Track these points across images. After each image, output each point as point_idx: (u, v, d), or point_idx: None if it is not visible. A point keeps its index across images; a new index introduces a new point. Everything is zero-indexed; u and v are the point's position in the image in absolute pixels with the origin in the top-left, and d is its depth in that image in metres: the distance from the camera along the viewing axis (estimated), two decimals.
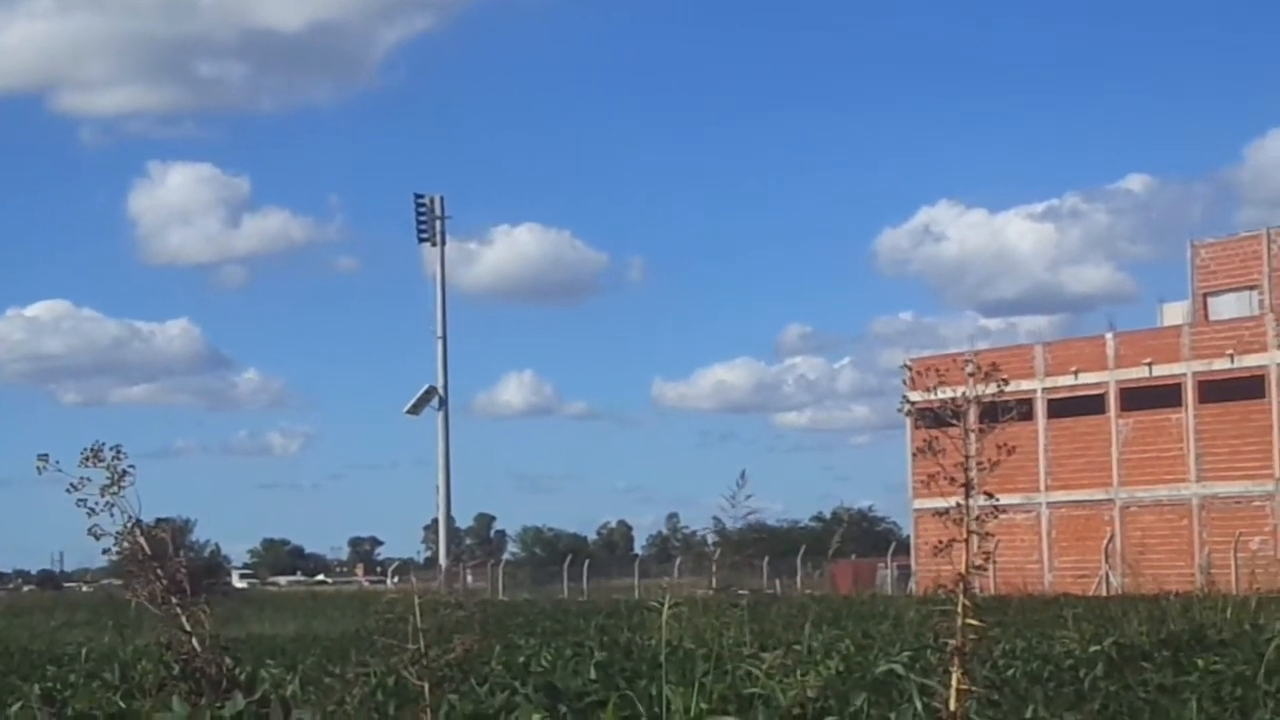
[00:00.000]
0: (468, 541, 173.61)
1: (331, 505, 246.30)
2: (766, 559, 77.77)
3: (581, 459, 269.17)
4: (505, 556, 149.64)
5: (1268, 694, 13.39)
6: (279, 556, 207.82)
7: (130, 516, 9.20)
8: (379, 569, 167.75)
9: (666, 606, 12.44)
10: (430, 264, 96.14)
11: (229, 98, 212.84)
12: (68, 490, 9.04)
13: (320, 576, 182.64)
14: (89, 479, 9.08)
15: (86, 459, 9.06)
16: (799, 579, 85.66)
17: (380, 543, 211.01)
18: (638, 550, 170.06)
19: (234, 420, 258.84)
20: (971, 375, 8.53)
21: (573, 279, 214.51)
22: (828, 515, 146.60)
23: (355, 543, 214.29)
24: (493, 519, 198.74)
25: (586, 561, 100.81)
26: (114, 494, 9.11)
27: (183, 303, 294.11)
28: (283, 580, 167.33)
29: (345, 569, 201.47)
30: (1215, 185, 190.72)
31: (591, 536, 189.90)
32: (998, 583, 54.03)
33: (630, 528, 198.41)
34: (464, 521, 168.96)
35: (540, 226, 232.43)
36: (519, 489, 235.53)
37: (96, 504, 9.11)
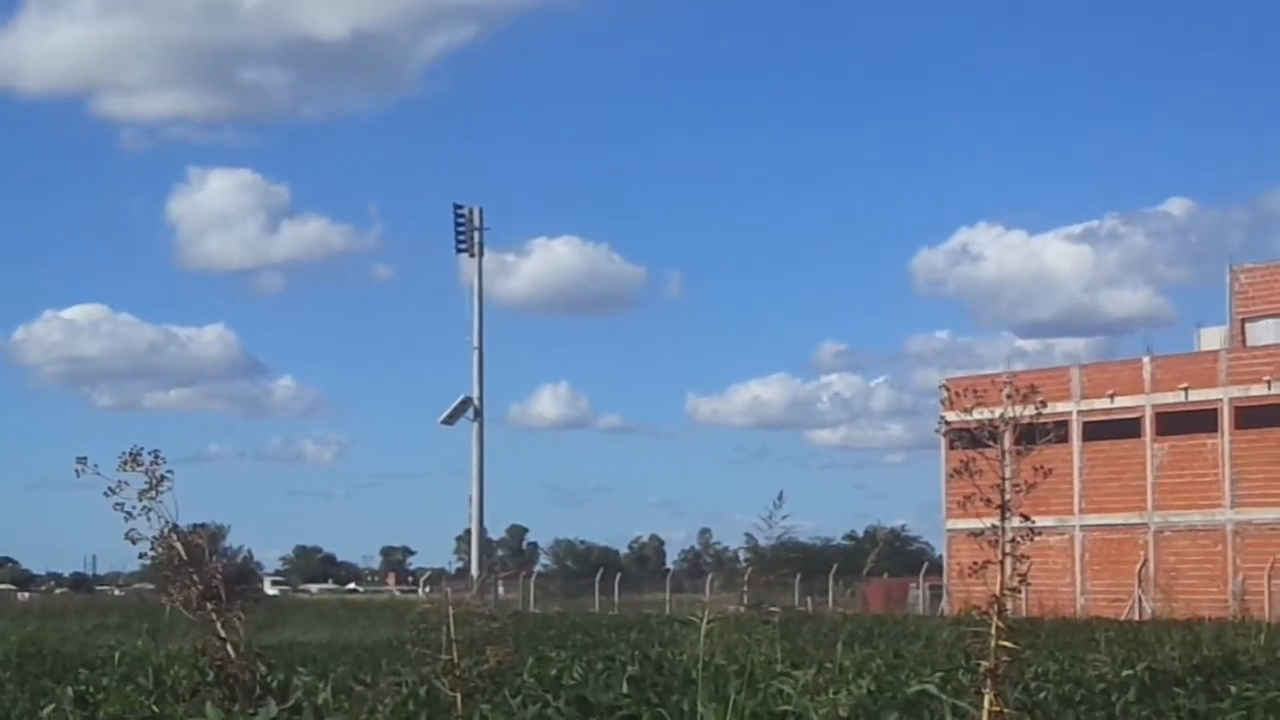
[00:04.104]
0: (500, 553, 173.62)
1: (364, 514, 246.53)
2: (799, 577, 77.62)
3: (614, 472, 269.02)
4: (537, 569, 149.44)
5: None
6: (311, 564, 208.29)
7: (167, 521, 9.23)
8: (410, 579, 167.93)
9: (705, 622, 12.42)
10: (467, 274, 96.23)
11: (270, 104, 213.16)
12: (105, 494, 9.06)
13: (352, 585, 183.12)
14: (127, 483, 9.10)
15: (125, 463, 9.09)
16: (831, 597, 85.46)
17: (412, 552, 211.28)
18: (669, 565, 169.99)
19: (268, 427, 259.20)
20: (1009, 397, 8.52)
21: (610, 292, 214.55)
22: (860, 534, 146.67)
23: (387, 552, 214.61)
24: (525, 531, 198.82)
25: (618, 575, 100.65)
26: (151, 499, 9.14)
27: (219, 308, 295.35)
28: (314, 588, 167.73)
29: (377, 578, 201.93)
30: (1255, 211, 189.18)
31: (623, 550, 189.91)
32: (1030, 605, 53.83)
33: (662, 542, 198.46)
34: (496, 533, 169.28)
35: (578, 239, 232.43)
36: (552, 501, 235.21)
37: (134, 508, 9.13)
